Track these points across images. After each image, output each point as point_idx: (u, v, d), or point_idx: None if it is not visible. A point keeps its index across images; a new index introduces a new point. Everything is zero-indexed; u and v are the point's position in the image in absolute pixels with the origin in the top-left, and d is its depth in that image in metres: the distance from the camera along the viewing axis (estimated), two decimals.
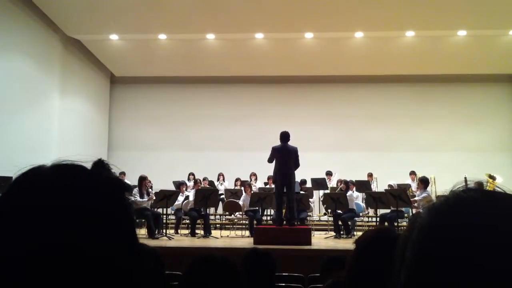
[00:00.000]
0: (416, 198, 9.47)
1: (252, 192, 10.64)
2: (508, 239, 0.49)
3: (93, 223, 0.58)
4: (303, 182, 12.07)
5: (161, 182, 11.45)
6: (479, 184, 0.61)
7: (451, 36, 12.62)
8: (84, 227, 0.57)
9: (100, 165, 0.68)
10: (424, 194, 9.37)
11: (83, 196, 0.59)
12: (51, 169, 0.62)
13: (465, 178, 0.61)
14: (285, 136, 8.74)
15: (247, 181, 12.20)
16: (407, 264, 0.54)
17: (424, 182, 9.65)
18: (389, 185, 10.93)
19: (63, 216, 0.57)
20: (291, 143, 8.77)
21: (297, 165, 8.72)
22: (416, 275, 0.53)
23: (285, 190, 8.67)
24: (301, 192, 10.70)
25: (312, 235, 8.94)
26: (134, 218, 0.67)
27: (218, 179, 13.21)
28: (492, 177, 10.66)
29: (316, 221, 12.28)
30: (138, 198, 9.72)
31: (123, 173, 13.02)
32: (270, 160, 8.79)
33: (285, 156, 8.61)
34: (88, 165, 0.68)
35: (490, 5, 10.73)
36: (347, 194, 10.42)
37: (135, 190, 9.95)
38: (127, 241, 0.62)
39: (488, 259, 0.49)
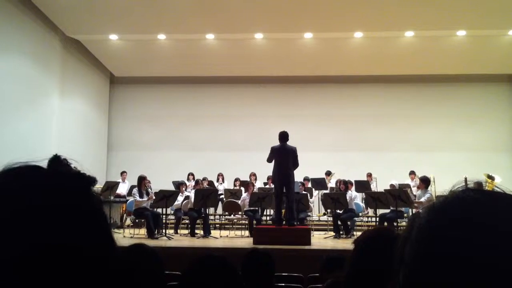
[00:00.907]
0: (421, 200, 9.38)
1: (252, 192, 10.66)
2: (507, 239, 0.49)
3: (48, 223, 0.56)
4: (306, 179, 12.08)
5: (160, 182, 11.44)
6: (479, 184, 0.61)
7: (450, 36, 12.62)
8: (38, 227, 0.55)
9: (56, 161, 0.65)
10: (427, 195, 9.32)
11: (36, 195, 0.57)
12: (2, 171, 0.60)
13: (465, 178, 0.61)
14: (283, 136, 8.73)
15: (248, 180, 12.21)
16: (406, 264, 0.54)
17: (425, 182, 9.61)
18: (391, 185, 10.91)
19: (16, 218, 0.55)
20: (290, 143, 8.77)
21: (296, 165, 8.70)
22: (415, 275, 0.53)
23: (284, 190, 8.66)
24: (302, 192, 10.69)
25: (311, 235, 8.94)
26: (100, 212, 0.63)
27: (218, 180, 13.20)
28: (490, 177, 10.65)
29: (316, 221, 12.28)
30: (138, 198, 9.73)
31: (124, 172, 13.07)
32: (269, 160, 8.79)
33: (283, 156, 8.60)
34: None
35: (489, 5, 10.72)
36: (347, 195, 10.43)
37: (135, 190, 9.97)
38: (92, 237, 0.59)
39: (487, 259, 0.48)
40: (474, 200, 0.53)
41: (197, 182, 11.37)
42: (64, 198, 0.59)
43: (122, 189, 12.31)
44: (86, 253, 0.57)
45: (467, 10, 10.95)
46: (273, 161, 8.73)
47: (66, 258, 0.55)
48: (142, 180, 9.95)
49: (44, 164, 0.64)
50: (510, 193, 0.55)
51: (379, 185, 12.44)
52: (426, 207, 0.57)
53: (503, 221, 0.51)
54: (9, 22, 10.35)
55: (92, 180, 0.64)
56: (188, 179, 12.52)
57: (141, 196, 9.78)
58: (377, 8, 10.88)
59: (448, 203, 0.55)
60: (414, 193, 10.76)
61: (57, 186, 0.60)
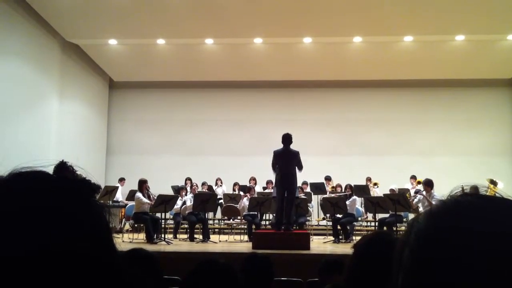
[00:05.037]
0: (432, 202, 9.22)
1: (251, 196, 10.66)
2: (504, 242, 0.49)
3: (51, 228, 0.56)
4: (305, 183, 12.06)
5: (159, 187, 11.42)
6: (475, 189, 0.61)
7: (449, 40, 12.65)
8: (40, 231, 0.55)
9: (62, 167, 0.66)
10: (435, 198, 9.22)
11: (40, 199, 0.58)
12: (8, 176, 0.60)
13: (462, 186, 0.61)
14: (286, 139, 8.55)
15: (247, 185, 12.20)
16: (404, 268, 0.54)
17: (429, 184, 9.55)
18: (391, 190, 10.88)
19: (19, 220, 0.55)
20: (292, 146, 8.65)
21: (300, 167, 8.50)
22: (413, 279, 0.53)
23: (286, 195, 8.57)
24: (302, 196, 10.66)
25: (311, 239, 8.92)
26: (103, 219, 0.63)
27: (216, 184, 13.18)
28: (493, 182, 10.63)
29: (315, 225, 12.26)
30: (143, 199, 9.71)
31: (123, 179, 13.05)
32: (273, 167, 8.59)
33: (286, 160, 8.46)
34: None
35: (488, 10, 10.76)
36: (351, 199, 10.43)
37: (138, 193, 9.93)
38: (92, 243, 0.59)
39: (485, 262, 0.49)
40: (471, 205, 0.54)
41: (191, 187, 11.35)
42: (67, 204, 0.60)
43: (120, 196, 12.26)
44: (85, 259, 0.57)
45: (466, 15, 10.98)
46: (276, 165, 8.58)
47: (65, 262, 0.56)
48: (143, 184, 9.94)
49: (50, 169, 0.64)
50: (508, 198, 0.55)
51: (378, 190, 12.41)
52: (424, 211, 0.57)
53: (501, 225, 0.51)
54: (9, 26, 10.37)
55: (96, 187, 0.65)
56: (185, 184, 12.49)
57: None
58: (376, 13, 10.91)
59: (446, 208, 0.55)
60: (413, 197, 10.71)
61: (61, 192, 0.60)
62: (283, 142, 8.59)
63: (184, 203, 10.63)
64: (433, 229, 0.54)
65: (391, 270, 0.57)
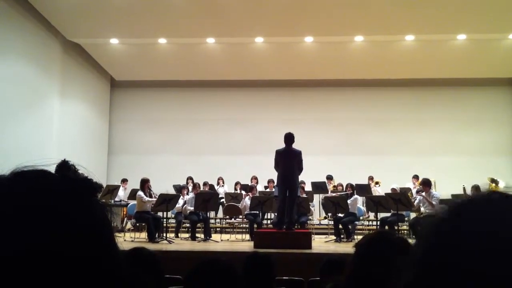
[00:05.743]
0: (433, 203, 9.20)
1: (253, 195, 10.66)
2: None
3: (53, 227, 0.56)
4: (302, 182, 12.04)
5: (160, 186, 11.43)
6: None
7: (450, 40, 12.64)
8: (41, 230, 0.55)
9: (64, 167, 0.65)
10: (435, 197, 9.21)
11: (41, 198, 0.58)
12: (10, 175, 0.60)
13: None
14: (288, 138, 8.46)
15: (249, 184, 12.20)
16: (418, 268, 0.54)
17: (428, 184, 9.55)
18: (392, 189, 10.87)
19: (20, 220, 0.55)
20: (294, 146, 8.61)
21: (300, 169, 8.45)
22: (427, 279, 0.52)
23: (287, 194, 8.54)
24: (303, 195, 10.66)
25: (312, 239, 8.92)
26: (104, 218, 0.63)
27: (218, 183, 13.19)
28: (494, 181, 10.62)
29: (317, 225, 12.26)
30: (145, 197, 9.74)
31: (125, 180, 13.03)
32: (276, 167, 8.53)
33: (288, 160, 8.39)
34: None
35: (490, 10, 10.74)
36: (352, 198, 10.42)
37: (140, 192, 9.96)
38: (92, 243, 0.59)
39: (494, 266, 0.48)
40: (489, 205, 0.53)
41: (194, 186, 11.36)
42: (69, 203, 0.59)
43: (122, 196, 12.27)
44: (86, 258, 0.57)
45: (467, 14, 10.97)
46: (278, 165, 8.51)
47: (65, 262, 0.55)
48: (145, 183, 9.96)
49: (52, 168, 0.64)
50: None
51: (378, 189, 12.40)
52: (441, 212, 0.56)
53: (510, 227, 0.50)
54: (10, 25, 10.37)
55: (98, 186, 0.65)
56: (187, 183, 12.49)
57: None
58: (378, 12, 10.90)
59: (465, 208, 0.54)
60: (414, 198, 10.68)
61: (63, 191, 0.60)
62: (285, 141, 8.53)
63: (185, 202, 10.64)
64: (445, 232, 0.53)
65: (392, 269, 0.57)
